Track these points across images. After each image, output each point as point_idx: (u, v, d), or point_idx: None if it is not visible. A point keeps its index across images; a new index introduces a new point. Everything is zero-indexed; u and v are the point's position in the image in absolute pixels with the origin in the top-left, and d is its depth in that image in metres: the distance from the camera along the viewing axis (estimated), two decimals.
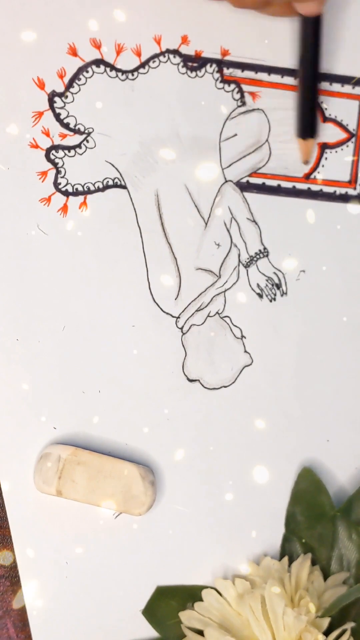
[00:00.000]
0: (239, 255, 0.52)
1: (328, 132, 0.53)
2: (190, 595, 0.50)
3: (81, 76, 0.50)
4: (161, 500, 0.52)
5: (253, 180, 0.52)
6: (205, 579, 0.52)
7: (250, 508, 0.52)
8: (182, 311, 0.52)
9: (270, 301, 0.53)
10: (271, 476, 0.52)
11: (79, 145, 0.50)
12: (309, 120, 0.52)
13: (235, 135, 0.52)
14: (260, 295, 0.53)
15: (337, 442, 0.53)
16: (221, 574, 0.52)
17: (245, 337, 0.52)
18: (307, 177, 0.53)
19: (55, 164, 0.50)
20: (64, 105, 0.50)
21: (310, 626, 0.47)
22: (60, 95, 0.50)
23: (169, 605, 0.50)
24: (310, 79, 0.51)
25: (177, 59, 0.51)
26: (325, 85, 0.52)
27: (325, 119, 0.53)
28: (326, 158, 0.53)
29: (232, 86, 0.51)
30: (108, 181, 0.51)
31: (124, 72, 0.51)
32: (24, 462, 0.50)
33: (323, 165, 0.53)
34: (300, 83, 0.51)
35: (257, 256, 0.52)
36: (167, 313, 0.52)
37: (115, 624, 0.51)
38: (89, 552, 0.51)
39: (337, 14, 0.52)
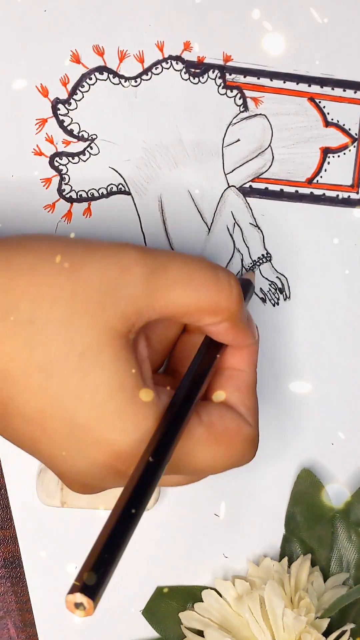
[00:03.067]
0: (242, 260, 0.52)
1: (330, 137, 0.53)
2: (190, 595, 0.50)
3: (84, 83, 0.50)
4: (162, 501, 0.52)
5: (256, 185, 0.52)
6: (205, 580, 0.52)
7: (250, 508, 0.53)
8: None
9: (274, 305, 0.53)
10: (271, 477, 0.53)
11: (82, 152, 0.51)
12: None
13: (238, 140, 0.52)
14: (264, 300, 0.53)
15: (338, 443, 0.54)
16: (221, 575, 0.52)
17: None
18: (309, 181, 0.53)
19: (59, 171, 0.51)
20: (68, 112, 0.50)
21: (310, 627, 0.47)
22: (64, 102, 0.50)
23: (169, 605, 0.50)
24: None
25: (180, 65, 0.51)
26: (327, 90, 0.52)
27: (328, 124, 0.53)
28: (328, 162, 0.53)
29: (235, 92, 0.52)
30: (112, 187, 0.51)
31: (127, 78, 0.51)
32: (29, 477, 0.50)
33: (325, 170, 0.53)
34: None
35: (260, 261, 0.53)
36: None
37: (115, 624, 0.52)
38: None
39: (338, 18, 0.52)
